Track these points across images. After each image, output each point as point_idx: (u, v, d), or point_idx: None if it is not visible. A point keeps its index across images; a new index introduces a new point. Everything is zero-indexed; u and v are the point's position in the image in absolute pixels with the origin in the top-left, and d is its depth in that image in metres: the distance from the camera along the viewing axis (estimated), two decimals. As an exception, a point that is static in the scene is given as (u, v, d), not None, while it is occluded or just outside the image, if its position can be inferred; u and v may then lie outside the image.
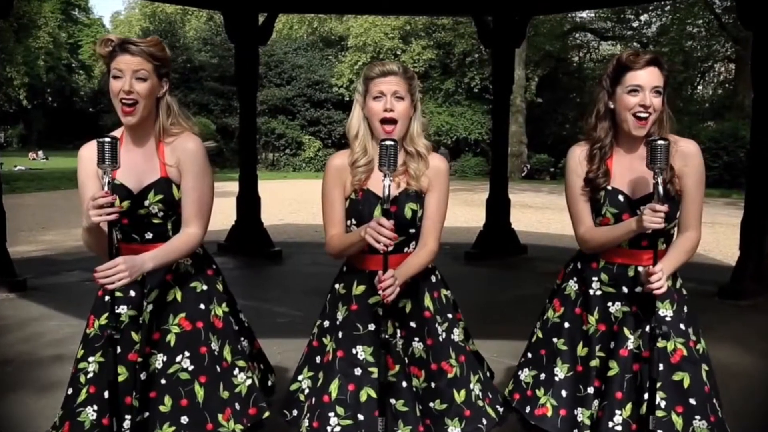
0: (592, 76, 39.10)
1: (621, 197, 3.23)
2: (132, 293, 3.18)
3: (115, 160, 2.81)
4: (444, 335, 3.34)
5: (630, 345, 3.21)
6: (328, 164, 3.31)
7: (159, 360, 3.16)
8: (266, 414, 3.34)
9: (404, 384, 3.22)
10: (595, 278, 3.34)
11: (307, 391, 3.32)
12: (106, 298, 3.08)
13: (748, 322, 7.91)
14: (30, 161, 37.41)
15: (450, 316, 3.41)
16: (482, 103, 36.04)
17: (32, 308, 7.95)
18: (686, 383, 3.17)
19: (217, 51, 39.55)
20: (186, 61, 38.74)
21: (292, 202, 20.99)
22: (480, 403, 3.35)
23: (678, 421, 3.12)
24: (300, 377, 3.38)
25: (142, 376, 3.14)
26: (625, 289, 3.27)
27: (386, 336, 3.06)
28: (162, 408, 3.12)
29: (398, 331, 3.27)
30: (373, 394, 3.12)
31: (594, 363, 3.26)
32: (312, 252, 12.10)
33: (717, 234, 15.03)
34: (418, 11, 20.54)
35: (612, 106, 3.22)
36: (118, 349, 3.08)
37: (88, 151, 3.10)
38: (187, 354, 3.18)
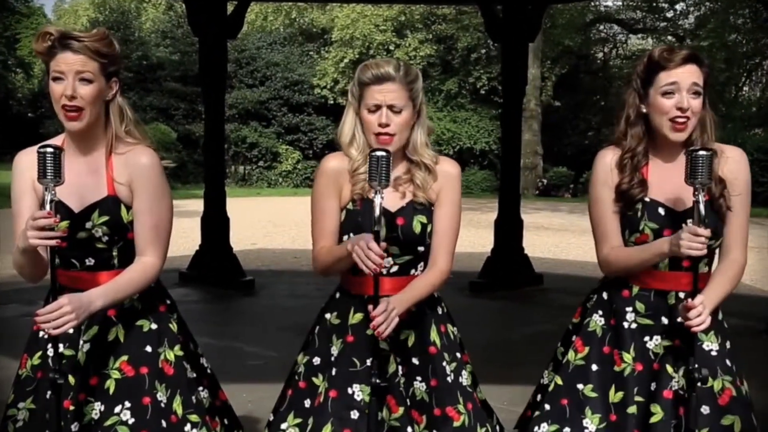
0: (619, 76, 39.31)
1: (661, 210, 3.23)
2: (69, 330, 3.06)
3: (60, 173, 2.79)
4: (452, 376, 3.33)
5: (674, 385, 3.19)
6: (324, 166, 3.31)
7: (96, 410, 3.12)
8: None
9: (409, 430, 3.22)
10: (629, 309, 3.30)
11: None
12: (41, 333, 3.07)
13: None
14: (-43, 175, 37.38)
15: (458, 355, 3.40)
16: (490, 107, 36.18)
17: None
18: (737, 429, 3.18)
19: (178, 46, 39.57)
20: (142, 57, 38.71)
21: (266, 224, 21.02)
22: None
23: None
24: (284, 426, 3.31)
25: (74, 428, 3.09)
26: (664, 320, 3.25)
27: (377, 381, 3.06)
28: None
29: (400, 368, 3.27)
30: None
31: (632, 410, 3.22)
32: (290, 282, 12.11)
33: (765, 261, 15.06)
34: (415, -1, 20.62)
35: (644, 110, 3.24)
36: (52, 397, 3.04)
37: (27, 158, 3.08)
38: (127, 404, 3.12)
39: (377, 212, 2.92)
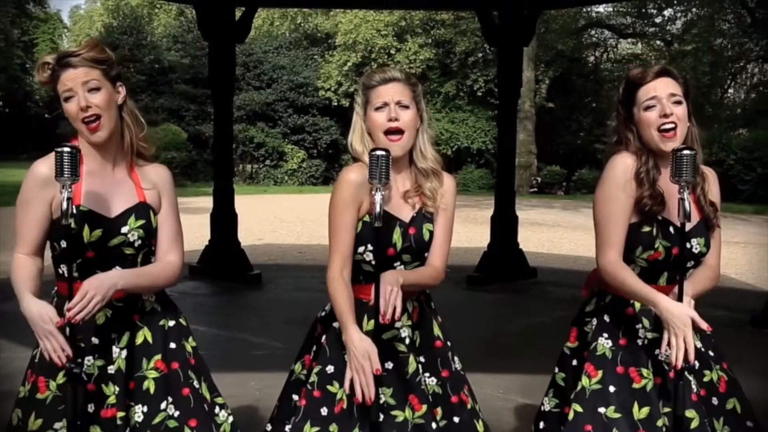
0: (609, 78, 39.29)
1: (672, 228, 3.23)
2: (95, 340, 3.09)
3: (76, 172, 2.78)
4: (455, 364, 3.41)
5: (695, 387, 3.20)
6: (346, 179, 3.20)
7: (138, 412, 3.09)
8: None
9: (433, 425, 3.20)
10: (638, 326, 3.29)
11: None
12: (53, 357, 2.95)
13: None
14: (-23, 173, 37.31)
15: (450, 343, 3.44)
16: (486, 109, 36.15)
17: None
18: (739, 408, 3.28)
19: (188, 50, 39.54)
20: (153, 61, 38.73)
21: (273, 220, 20.99)
22: None
23: None
24: None
25: None
26: None
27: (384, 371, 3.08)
28: None
29: (420, 366, 3.27)
30: None
31: (661, 422, 3.17)
32: (295, 276, 12.14)
33: (750, 255, 15.06)
34: (415, 5, 20.60)
35: (634, 132, 3.26)
36: (91, 407, 3.04)
37: (45, 168, 3.01)
38: (170, 399, 3.14)
39: (377, 209, 2.93)
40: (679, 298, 3.09)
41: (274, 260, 13.99)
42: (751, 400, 3.46)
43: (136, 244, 3.12)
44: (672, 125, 3.14)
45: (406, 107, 3.18)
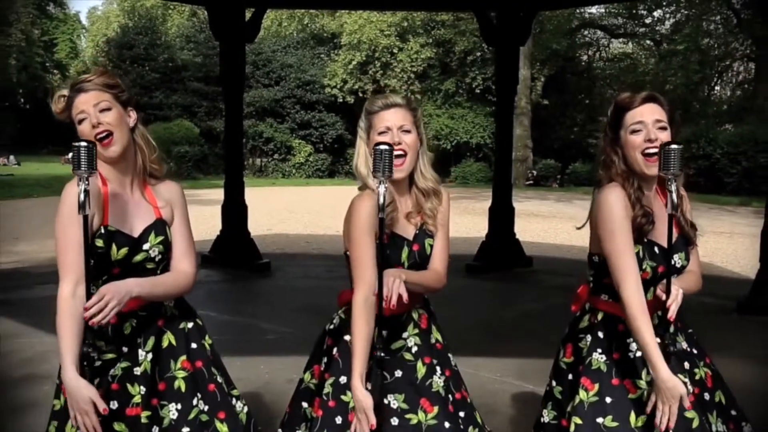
0: (602, 77, 39.31)
1: (656, 249, 3.24)
2: (124, 349, 3.14)
3: (93, 165, 2.78)
4: (455, 364, 3.45)
5: (690, 388, 3.19)
6: (360, 209, 3.18)
7: (172, 410, 3.15)
8: None
9: (447, 425, 3.22)
10: (629, 340, 3.29)
11: None
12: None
13: (769, 339, 7.89)
14: (0, 167, 37.33)
15: (446, 342, 3.47)
16: (484, 105, 36.11)
17: (2, 324, 7.93)
18: (724, 400, 3.32)
19: (200, 49, 39.57)
20: (167, 60, 38.72)
21: (281, 211, 20.98)
22: None
23: None
24: None
25: (155, 431, 3.12)
26: (657, 339, 3.19)
27: (382, 354, 3.08)
28: None
29: (438, 368, 3.30)
30: None
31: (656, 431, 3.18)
32: (302, 264, 12.16)
33: (736, 245, 15.06)
34: (416, 6, 20.57)
35: (620, 154, 3.26)
36: (114, 405, 3.06)
37: (76, 189, 2.88)
38: (199, 395, 3.21)
39: (381, 200, 2.93)
40: (667, 287, 3.10)
41: (282, 249, 13.99)
42: (735, 381, 3.50)
43: (156, 259, 3.17)
44: (656, 150, 3.13)
45: (408, 131, 3.21)
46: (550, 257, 12.91)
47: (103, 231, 3.02)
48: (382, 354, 3.09)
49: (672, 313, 3.09)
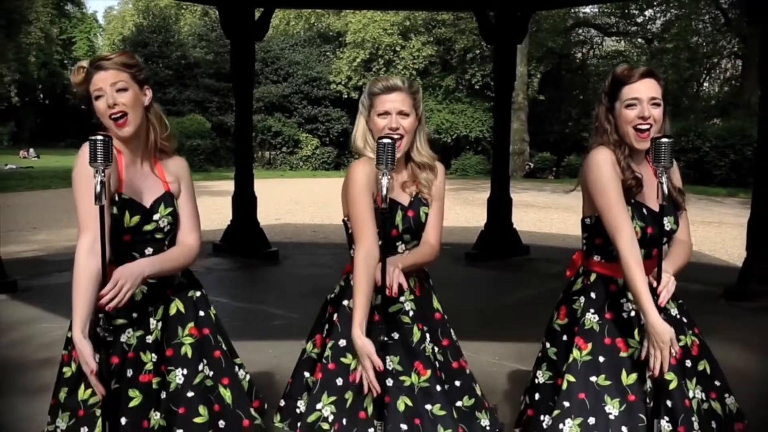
0: (595, 73, 39.16)
1: (644, 210, 3.26)
2: (135, 315, 3.17)
3: (109, 158, 2.80)
4: (455, 335, 3.49)
5: (673, 352, 3.15)
6: (357, 172, 3.22)
7: (178, 375, 3.17)
8: (266, 405, 3.52)
9: (438, 388, 3.25)
10: (623, 300, 3.31)
11: (331, 417, 3.23)
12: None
13: (754, 324, 7.87)
14: (21, 159, 37.30)
15: (446, 317, 3.52)
16: (483, 101, 36.03)
17: (23, 310, 7.95)
18: (708, 369, 3.34)
19: (212, 47, 39.46)
20: (180, 57, 38.66)
21: (289, 202, 20.98)
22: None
23: (717, 406, 3.28)
24: (319, 405, 3.25)
25: (162, 396, 3.15)
26: None
27: (384, 338, 3.14)
28: (198, 420, 3.15)
29: (427, 335, 3.33)
30: (410, 403, 3.16)
31: (647, 386, 3.20)
32: (309, 253, 12.15)
33: (723, 234, 15.04)
34: (418, 6, 20.52)
35: (613, 123, 3.28)
36: (130, 372, 3.10)
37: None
38: (205, 362, 3.24)
39: (384, 191, 2.95)
40: (658, 274, 3.10)
41: (290, 238, 13.98)
42: (723, 363, 3.50)
43: (165, 230, 3.22)
44: (648, 126, 3.17)
45: (407, 115, 3.24)
46: (546, 246, 12.90)
47: (117, 198, 3.05)
48: (385, 338, 3.12)
49: (663, 300, 3.09)
